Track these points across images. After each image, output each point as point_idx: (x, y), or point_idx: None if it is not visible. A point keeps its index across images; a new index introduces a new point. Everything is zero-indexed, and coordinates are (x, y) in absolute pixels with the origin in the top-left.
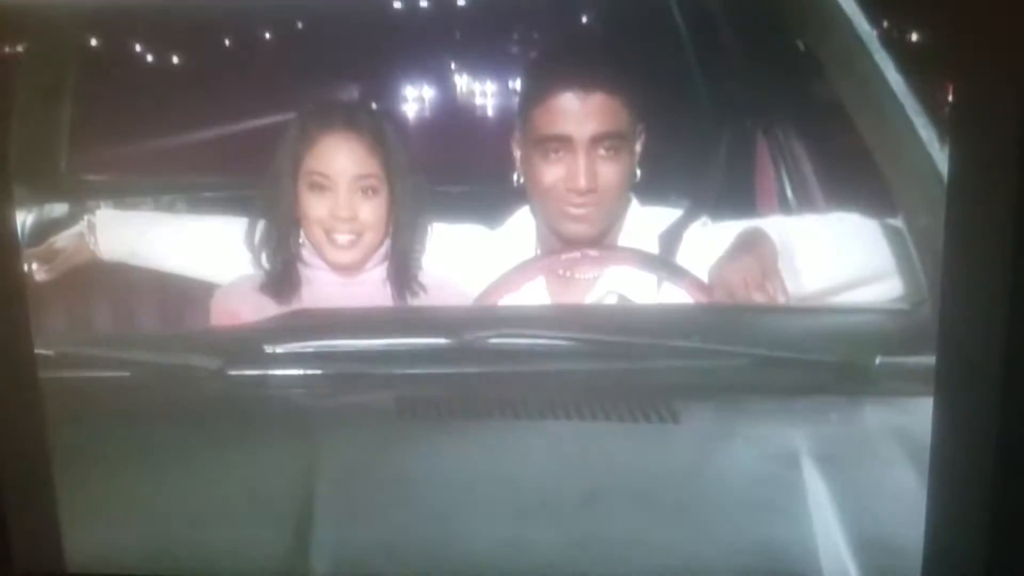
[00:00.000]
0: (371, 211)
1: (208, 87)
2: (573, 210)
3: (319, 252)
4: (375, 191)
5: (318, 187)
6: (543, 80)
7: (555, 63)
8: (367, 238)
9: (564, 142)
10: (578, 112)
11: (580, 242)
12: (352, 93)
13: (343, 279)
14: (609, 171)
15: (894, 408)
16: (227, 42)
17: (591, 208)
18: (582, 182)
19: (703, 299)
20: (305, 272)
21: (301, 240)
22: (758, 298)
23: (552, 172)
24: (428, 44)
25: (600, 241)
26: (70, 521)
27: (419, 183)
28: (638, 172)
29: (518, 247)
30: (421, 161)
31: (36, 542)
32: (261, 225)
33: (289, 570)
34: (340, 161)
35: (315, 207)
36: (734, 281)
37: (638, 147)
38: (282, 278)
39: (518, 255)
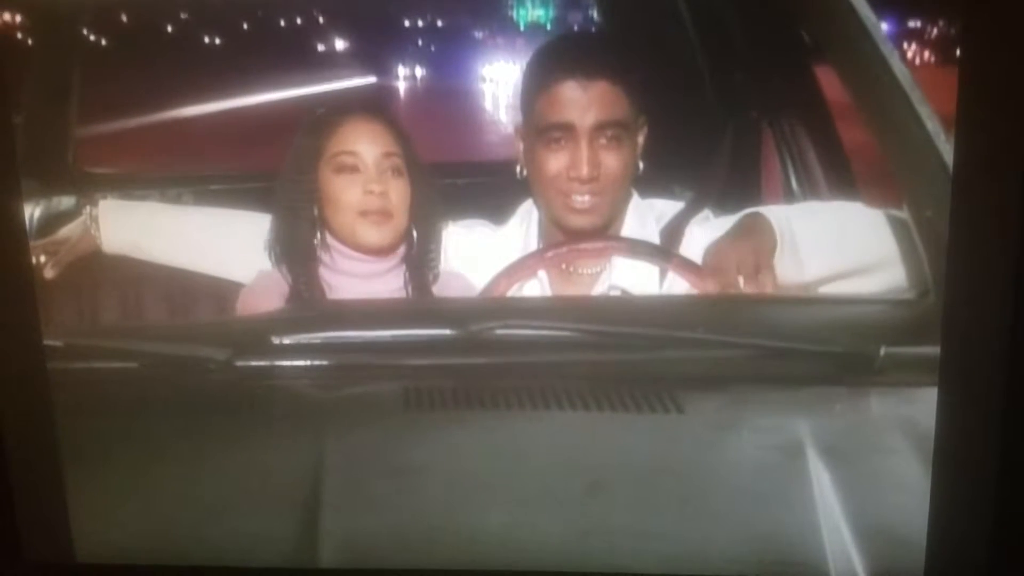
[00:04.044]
0: (398, 192)
1: (213, 80)
2: (576, 201)
3: (350, 239)
4: (399, 173)
5: (347, 168)
6: (546, 68)
7: (558, 51)
8: (395, 221)
9: (567, 130)
10: (581, 100)
11: (582, 234)
12: (355, 82)
13: (366, 280)
14: (611, 160)
15: (898, 398)
16: (232, 36)
17: (594, 198)
18: (585, 170)
19: (695, 281)
20: (329, 278)
21: (328, 241)
22: (748, 287)
23: (555, 161)
24: (430, 34)
25: (600, 233)
26: (78, 511)
27: (431, 175)
28: (640, 164)
29: (521, 243)
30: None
31: (45, 531)
32: (281, 229)
33: (296, 559)
34: (366, 139)
35: (345, 189)
36: (727, 266)
37: (640, 139)
38: (307, 284)
39: (522, 251)
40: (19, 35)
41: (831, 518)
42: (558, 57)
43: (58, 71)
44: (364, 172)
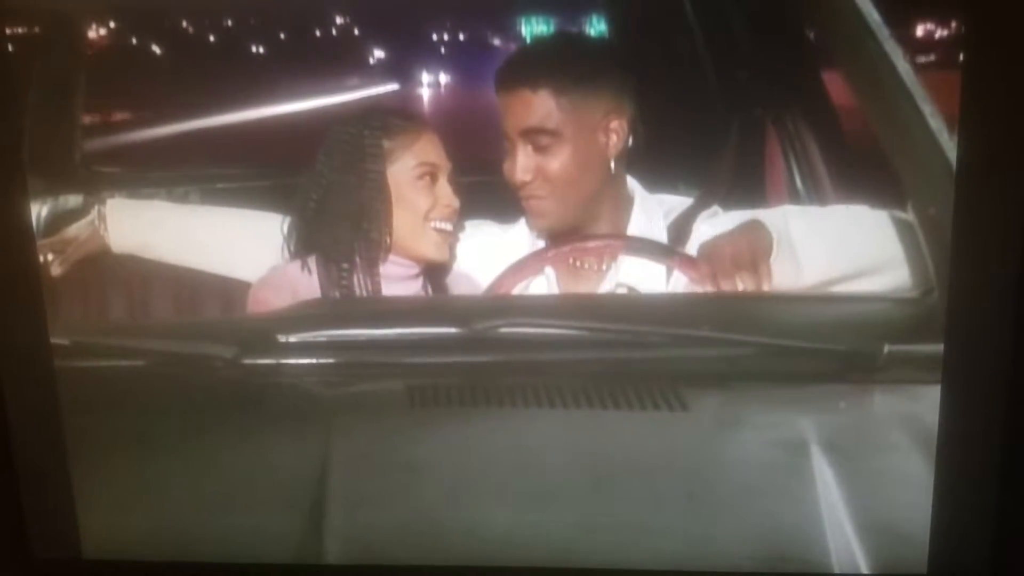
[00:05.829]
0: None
1: (222, 77)
2: (523, 202)
3: (411, 246)
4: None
5: (428, 176)
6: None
7: (508, 58)
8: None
9: (505, 135)
10: (506, 107)
11: (542, 233)
12: (373, 81)
13: (395, 283)
14: (547, 164)
15: (902, 396)
16: (239, 30)
17: (537, 201)
18: (516, 175)
19: (697, 277)
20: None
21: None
22: (744, 281)
23: (505, 164)
24: (441, 33)
25: (586, 231)
26: (86, 508)
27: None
28: (612, 165)
29: (529, 243)
30: None
31: (53, 528)
32: (336, 223)
33: (302, 555)
34: (443, 153)
35: (424, 198)
36: (724, 263)
37: (613, 140)
38: (346, 282)
39: (529, 251)
40: (26, 34)
41: (835, 514)
42: (504, 63)
43: (65, 69)
44: (442, 187)
